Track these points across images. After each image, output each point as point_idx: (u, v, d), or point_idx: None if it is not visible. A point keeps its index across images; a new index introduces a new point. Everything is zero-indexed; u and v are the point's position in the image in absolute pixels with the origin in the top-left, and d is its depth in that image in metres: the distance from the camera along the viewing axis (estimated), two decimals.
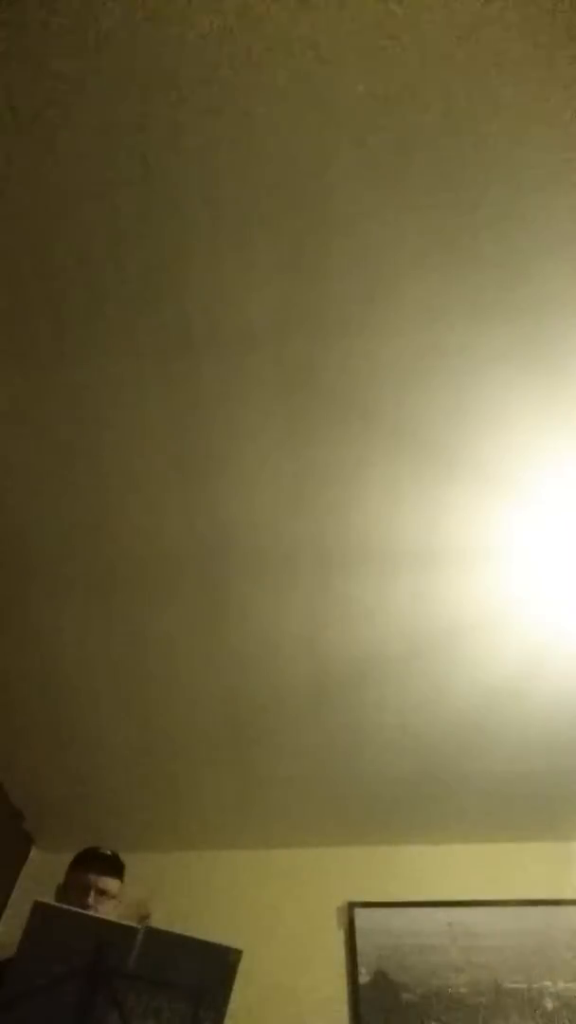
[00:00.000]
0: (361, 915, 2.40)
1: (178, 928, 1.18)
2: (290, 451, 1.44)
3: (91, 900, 1.62)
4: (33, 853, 2.63)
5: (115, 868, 1.72)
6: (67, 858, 1.76)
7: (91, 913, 1.50)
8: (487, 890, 2.46)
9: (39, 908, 1.12)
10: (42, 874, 2.39)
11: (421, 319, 1.24)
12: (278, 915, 2.42)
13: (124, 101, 0.99)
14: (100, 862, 1.71)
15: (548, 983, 2.25)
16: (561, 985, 2.24)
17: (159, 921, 1.15)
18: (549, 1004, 2.20)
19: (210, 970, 1.18)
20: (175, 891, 2.45)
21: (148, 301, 1.21)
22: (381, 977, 2.27)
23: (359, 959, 2.30)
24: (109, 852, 1.75)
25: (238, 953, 1.21)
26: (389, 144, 1.03)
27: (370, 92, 0.98)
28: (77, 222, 1.11)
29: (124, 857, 1.78)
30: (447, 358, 1.29)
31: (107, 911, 1.61)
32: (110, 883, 1.68)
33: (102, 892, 1.65)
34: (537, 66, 0.96)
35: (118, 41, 0.94)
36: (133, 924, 1.16)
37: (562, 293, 1.20)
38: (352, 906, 2.43)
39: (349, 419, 1.39)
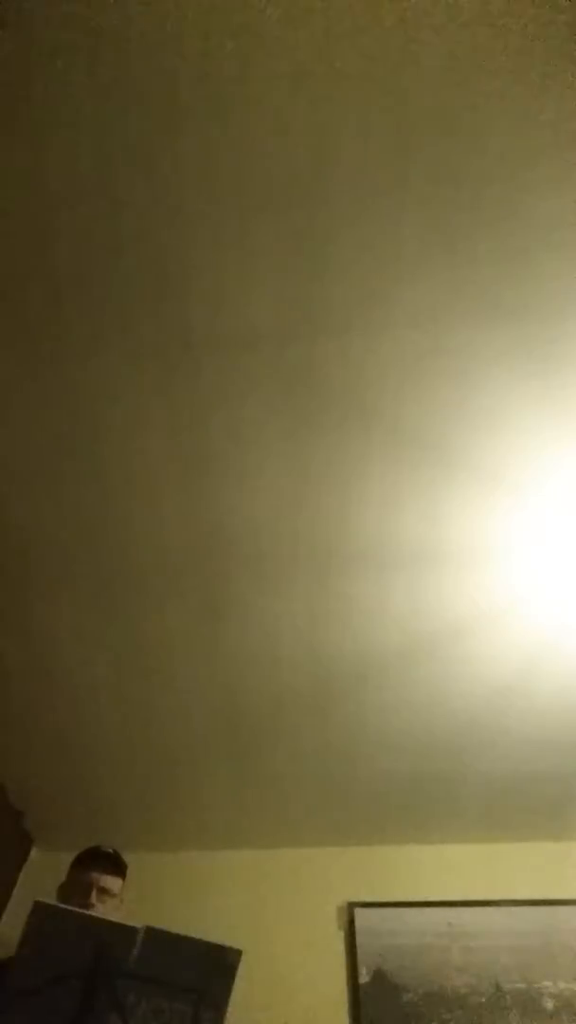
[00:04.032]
0: (361, 915, 2.40)
1: (178, 928, 1.18)
2: (290, 451, 1.44)
3: (93, 899, 1.62)
4: (33, 853, 2.63)
5: (117, 867, 1.73)
6: (67, 858, 1.76)
7: (91, 913, 1.50)
8: (487, 890, 2.45)
9: (39, 908, 1.12)
10: (42, 874, 2.39)
11: (421, 319, 1.24)
12: (278, 915, 2.42)
13: (124, 101, 0.99)
14: (102, 861, 1.71)
15: (548, 983, 2.24)
16: (561, 985, 2.24)
17: (159, 921, 1.15)
18: (549, 1004, 2.20)
19: (210, 970, 1.18)
20: (175, 891, 2.45)
21: (148, 301, 1.21)
22: (381, 977, 2.27)
23: (359, 959, 2.30)
24: (111, 851, 1.75)
25: (238, 953, 1.21)
26: (389, 144, 1.03)
27: (370, 92, 0.98)
28: (77, 222, 1.11)
29: (124, 856, 1.78)
30: (447, 358, 1.29)
31: (109, 910, 1.61)
32: (112, 882, 1.68)
33: (104, 891, 1.65)
34: (538, 64, 0.96)
35: (118, 41, 0.94)
36: (133, 924, 1.16)
37: (563, 293, 1.20)
38: (352, 906, 2.42)
39: (349, 419, 1.39)
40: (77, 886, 1.65)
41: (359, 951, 2.32)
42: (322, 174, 1.06)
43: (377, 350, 1.28)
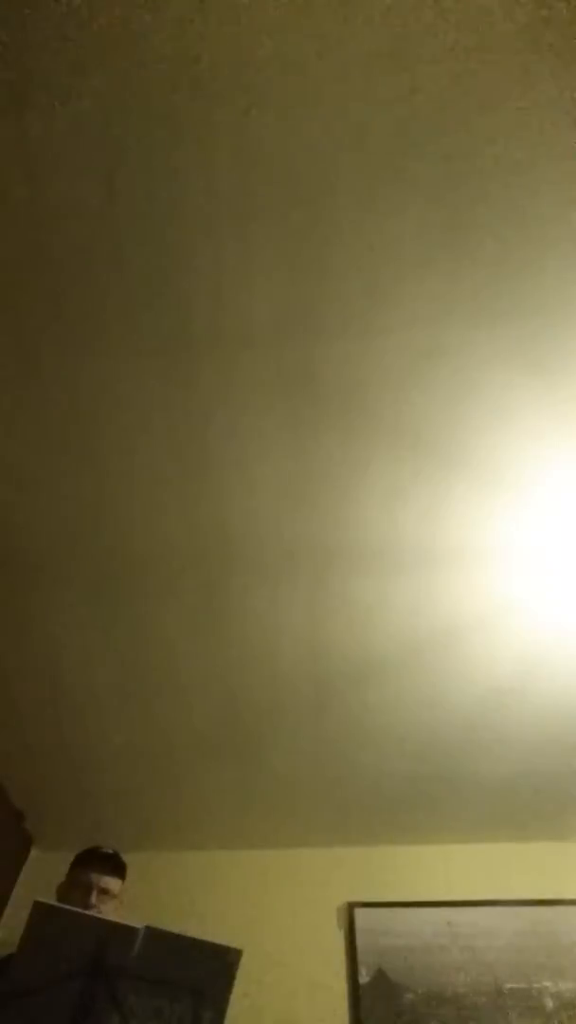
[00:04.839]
0: (361, 915, 2.40)
1: (178, 928, 1.18)
2: (290, 450, 1.44)
3: (93, 899, 1.62)
4: (33, 853, 2.63)
5: (117, 867, 1.73)
6: (67, 858, 1.76)
7: (91, 913, 1.50)
8: (487, 890, 2.46)
9: (39, 908, 1.12)
10: (42, 874, 2.39)
11: (421, 319, 1.24)
12: (278, 915, 2.42)
13: (125, 101, 0.99)
14: (102, 861, 1.71)
15: (548, 983, 2.25)
16: (561, 985, 2.24)
17: (159, 921, 1.15)
18: (549, 1004, 2.20)
19: (210, 970, 1.18)
20: (175, 891, 2.45)
21: (148, 300, 1.21)
22: (381, 977, 2.27)
23: (359, 959, 2.30)
24: (111, 851, 1.75)
25: (238, 953, 1.21)
26: (389, 144, 1.03)
27: (370, 91, 0.99)
28: (77, 222, 1.11)
29: (124, 857, 1.78)
30: (447, 358, 1.29)
31: (109, 910, 1.61)
32: (112, 882, 1.68)
33: (104, 891, 1.65)
34: (539, 65, 0.96)
35: (119, 40, 0.94)
36: (133, 924, 1.16)
37: (563, 292, 1.20)
38: (352, 906, 2.43)
39: (349, 418, 1.39)
40: (77, 886, 1.65)
41: (359, 951, 2.32)
42: (322, 174, 1.06)
43: (377, 350, 1.28)
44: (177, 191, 1.08)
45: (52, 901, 1.36)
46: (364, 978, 2.27)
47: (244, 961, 1.21)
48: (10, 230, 1.12)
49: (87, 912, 1.47)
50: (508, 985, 2.24)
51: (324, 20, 0.93)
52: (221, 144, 1.03)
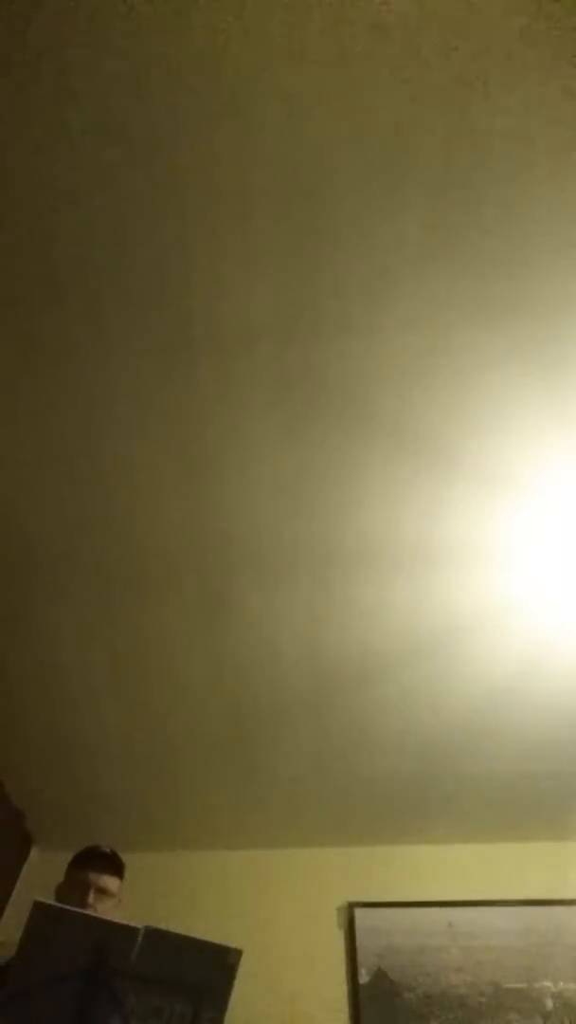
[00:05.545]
0: (361, 915, 2.40)
1: (178, 928, 1.18)
2: (290, 451, 1.44)
3: (91, 899, 1.61)
4: (33, 853, 2.63)
5: (115, 866, 1.72)
6: (67, 858, 1.76)
7: (91, 913, 1.50)
8: (487, 890, 2.46)
9: (39, 908, 1.12)
10: (42, 874, 2.39)
11: (421, 319, 1.24)
12: (278, 915, 2.42)
13: (125, 101, 0.99)
14: (100, 860, 1.71)
15: (548, 983, 2.25)
16: (561, 985, 2.24)
17: (159, 921, 1.15)
18: (549, 1004, 2.20)
19: (210, 970, 1.18)
20: (175, 891, 2.45)
21: (148, 300, 1.21)
22: (381, 977, 2.27)
23: (359, 959, 2.30)
24: (109, 850, 1.75)
25: (238, 953, 1.21)
26: (390, 143, 1.03)
27: (371, 91, 0.98)
28: (77, 222, 1.11)
29: (124, 857, 1.78)
30: (447, 358, 1.29)
31: (107, 910, 1.61)
32: (110, 881, 1.68)
33: (102, 891, 1.65)
34: (539, 65, 0.96)
35: (120, 40, 0.94)
36: (133, 924, 1.16)
37: (563, 292, 1.20)
38: (352, 906, 2.43)
39: (349, 419, 1.39)
40: (74, 886, 1.65)
41: (359, 951, 2.32)
42: (322, 174, 1.06)
43: (377, 350, 1.28)
44: (178, 192, 1.08)
45: (52, 901, 1.36)
46: (364, 978, 2.27)
47: (244, 961, 1.21)
48: (9, 230, 1.12)
49: (87, 912, 1.47)
50: (508, 985, 2.24)
51: (325, 24, 0.92)
52: (222, 144, 1.03)
